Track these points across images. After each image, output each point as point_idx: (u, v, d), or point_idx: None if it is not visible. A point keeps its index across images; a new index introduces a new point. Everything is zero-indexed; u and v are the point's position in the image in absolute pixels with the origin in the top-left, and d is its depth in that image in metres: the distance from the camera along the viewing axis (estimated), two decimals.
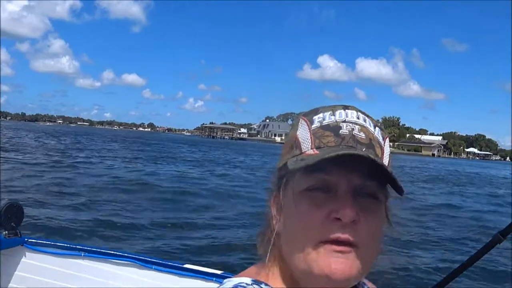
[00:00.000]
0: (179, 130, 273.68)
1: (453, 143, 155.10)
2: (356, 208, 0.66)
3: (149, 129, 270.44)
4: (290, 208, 0.71)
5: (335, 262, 0.65)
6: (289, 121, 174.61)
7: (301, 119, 0.76)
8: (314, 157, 0.66)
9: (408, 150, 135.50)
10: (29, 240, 2.89)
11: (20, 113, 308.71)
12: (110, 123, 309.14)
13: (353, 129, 0.71)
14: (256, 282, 0.73)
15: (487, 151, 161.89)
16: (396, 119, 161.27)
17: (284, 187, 0.74)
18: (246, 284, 0.72)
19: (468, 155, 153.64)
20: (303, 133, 0.73)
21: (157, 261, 2.78)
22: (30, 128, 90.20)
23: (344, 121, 0.72)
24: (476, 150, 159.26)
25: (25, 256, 2.89)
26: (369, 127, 0.74)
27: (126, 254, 2.83)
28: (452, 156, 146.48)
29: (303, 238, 0.67)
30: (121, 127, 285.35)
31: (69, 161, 19.79)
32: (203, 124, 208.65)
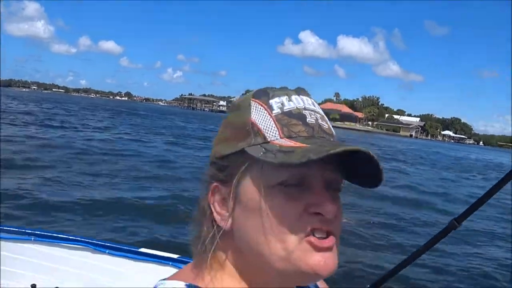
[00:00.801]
0: (156, 100, 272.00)
1: (430, 125, 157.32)
2: (335, 203, 0.65)
3: (126, 98, 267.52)
4: (255, 203, 0.64)
5: (325, 256, 0.63)
6: None
7: (253, 102, 0.69)
8: (310, 150, 0.59)
9: (386, 130, 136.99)
10: None
11: None
12: (87, 91, 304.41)
13: (317, 119, 0.68)
14: (191, 286, 0.66)
15: (461, 135, 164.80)
16: (375, 98, 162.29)
17: (239, 178, 0.67)
18: None
19: (444, 138, 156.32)
20: (263, 119, 0.66)
21: (111, 245, 2.72)
22: (13, 95, 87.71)
23: (305, 109, 0.68)
24: (451, 133, 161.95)
25: None
26: (324, 116, 0.71)
27: (78, 238, 2.77)
28: (429, 138, 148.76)
29: (281, 234, 0.62)
30: (97, 95, 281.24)
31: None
32: (182, 95, 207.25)
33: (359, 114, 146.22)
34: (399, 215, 10.64)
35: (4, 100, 54.73)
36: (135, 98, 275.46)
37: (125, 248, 2.68)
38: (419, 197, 14.09)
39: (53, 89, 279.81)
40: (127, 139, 22.13)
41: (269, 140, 0.65)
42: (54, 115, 35.83)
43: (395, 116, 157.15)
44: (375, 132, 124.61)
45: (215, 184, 0.70)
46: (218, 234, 0.69)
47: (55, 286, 2.53)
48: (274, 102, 0.68)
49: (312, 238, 0.63)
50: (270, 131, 0.65)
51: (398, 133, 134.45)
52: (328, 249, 0.63)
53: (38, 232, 2.78)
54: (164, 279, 0.69)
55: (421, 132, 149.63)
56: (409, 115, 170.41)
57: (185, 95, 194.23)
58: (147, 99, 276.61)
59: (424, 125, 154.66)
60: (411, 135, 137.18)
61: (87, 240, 2.73)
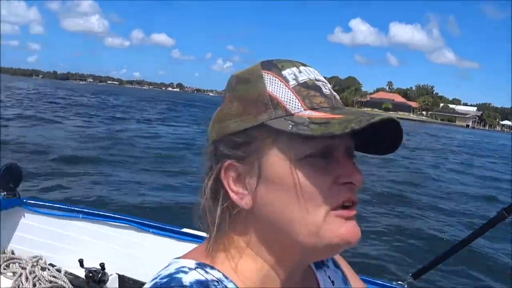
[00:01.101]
0: (207, 90, 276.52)
1: (487, 115, 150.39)
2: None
3: (178, 89, 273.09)
4: (284, 178, 0.63)
5: (353, 224, 0.63)
6: None
7: (265, 74, 0.66)
8: (351, 120, 0.58)
9: (441, 120, 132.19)
10: (28, 201, 2.90)
11: (52, 71, 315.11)
12: (140, 82, 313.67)
13: (330, 89, 0.68)
14: (200, 265, 0.65)
15: None
16: (430, 87, 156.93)
17: (262, 153, 0.64)
18: (189, 268, 0.64)
19: (503, 128, 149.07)
20: (281, 91, 0.64)
21: (155, 224, 2.79)
22: (71, 87, 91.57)
23: (316, 80, 0.67)
24: (511, 123, 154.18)
25: (24, 217, 2.91)
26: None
27: (124, 217, 2.87)
28: (486, 128, 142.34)
29: (314, 208, 0.62)
30: (150, 86, 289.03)
31: None
32: None
33: (413, 104, 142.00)
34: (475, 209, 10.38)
35: (66, 93, 57.48)
36: (186, 89, 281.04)
37: (168, 228, 2.75)
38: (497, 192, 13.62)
39: (108, 81, 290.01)
40: (192, 132, 22.45)
41: (292, 112, 0.63)
42: (115, 107, 37.22)
43: (451, 106, 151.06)
44: (430, 122, 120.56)
45: (228, 162, 0.66)
46: (233, 213, 0.67)
47: (101, 262, 2.64)
48: (287, 73, 0.66)
49: (341, 209, 0.63)
50: (292, 104, 0.64)
51: (454, 123, 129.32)
52: (354, 217, 0.64)
53: (86, 210, 2.91)
54: (178, 258, 0.68)
55: (478, 122, 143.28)
56: (465, 104, 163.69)
57: None
58: (198, 90, 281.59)
59: (482, 114, 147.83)
60: (467, 125, 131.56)
61: (132, 219, 2.83)
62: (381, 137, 0.67)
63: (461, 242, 1.46)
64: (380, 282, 2.08)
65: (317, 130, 0.59)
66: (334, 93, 0.69)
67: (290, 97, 0.64)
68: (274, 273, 0.68)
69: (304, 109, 0.63)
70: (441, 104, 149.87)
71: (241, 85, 0.67)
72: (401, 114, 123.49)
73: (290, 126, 0.61)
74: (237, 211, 0.66)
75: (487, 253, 6.86)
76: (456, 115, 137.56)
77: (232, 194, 0.65)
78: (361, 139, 0.68)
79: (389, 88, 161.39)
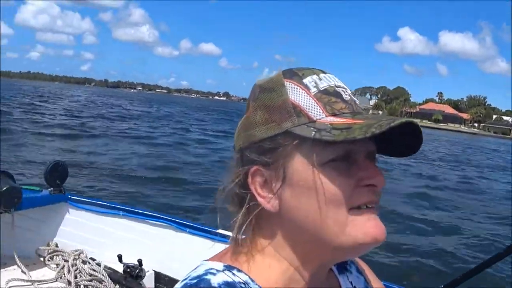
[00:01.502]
0: None
1: None
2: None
3: (224, 98, 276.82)
4: (308, 182, 0.64)
5: (379, 222, 0.65)
6: (367, 95, 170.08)
7: (287, 82, 0.68)
8: (371, 125, 0.60)
9: (494, 132, 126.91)
10: (72, 197, 3.04)
11: (103, 80, 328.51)
12: (188, 91, 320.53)
13: (350, 95, 0.69)
14: (228, 267, 0.67)
15: None
16: (482, 98, 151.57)
17: (287, 159, 0.66)
18: (217, 270, 0.66)
19: None
20: (303, 99, 0.66)
21: (191, 224, 2.88)
22: (122, 95, 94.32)
23: (336, 86, 0.69)
24: None
25: (68, 212, 3.06)
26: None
27: (162, 216, 2.97)
28: None
29: (338, 209, 0.64)
30: (197, 95, 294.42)
31: None
32: None
33: (464, 115, 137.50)
34: None
35: (123, 101, 59.35)
36: (233, 98, 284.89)
37: (204, 228, 2.81)
38: None
39: (157, 90, 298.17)
40: None
41: (315, 119, 0.65)
42: (172, 117, 38.10)
43: (505, 117, 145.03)
44: (482, 135, 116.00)
45: (255, 167, 0.68)
46: (258, 217, 0.69)
47: (138, 258, 2.73)
48: (308, 81, 0.68)
49: (366, 209, 0.65)
50: (314, 111, 0.65)
51: (508, 136, 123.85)
52: (377, 215, 0.66)
53: (126, 208, 3.03)
54: (206, 260, 0.71)
55: None
56: None
57: None
58: (244, 99, 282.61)
59: None
60: None
61: (170, 218, 2.92)
62: (403, 140, 0.68)
63: (496, 255, 1.43)
64: None
65: (339, 136, 0.61)
66: (354, 98, 0.70)
67: (312, 104, 0.66)
68: (298, 275, 0.69)
69: (326, 116, 0.65)
70: (494, 116, 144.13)
71: (265, 94, 0.69)
72: (451, 126, 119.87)
73: (313, 132, 0.63)
74: (262, 215, 0.68)
75: None
76: (510, 128, 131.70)
77: (259, 198, 0.67)
78: (384, 143, 0.69)
79: (439, 99, 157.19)
